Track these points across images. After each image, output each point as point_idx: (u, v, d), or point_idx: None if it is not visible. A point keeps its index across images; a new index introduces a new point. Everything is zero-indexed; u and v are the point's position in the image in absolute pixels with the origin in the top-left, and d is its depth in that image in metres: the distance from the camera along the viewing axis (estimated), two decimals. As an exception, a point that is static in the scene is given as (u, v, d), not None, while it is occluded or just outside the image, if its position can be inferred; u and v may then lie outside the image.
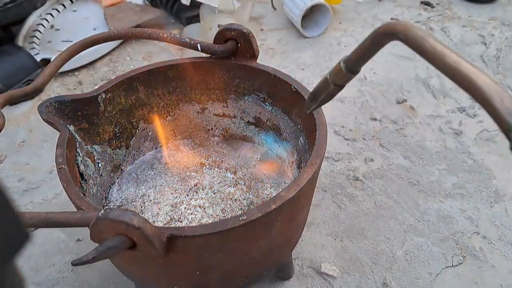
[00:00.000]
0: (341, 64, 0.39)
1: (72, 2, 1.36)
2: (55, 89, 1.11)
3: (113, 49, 1.23)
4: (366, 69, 1.13)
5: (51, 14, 1.30)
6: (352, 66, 0.39)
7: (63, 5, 1.34)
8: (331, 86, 0.41)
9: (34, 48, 1.16)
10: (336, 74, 0.40)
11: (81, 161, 0.56)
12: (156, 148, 0.73)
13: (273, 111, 0.67)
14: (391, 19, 1.32)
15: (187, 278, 0.51)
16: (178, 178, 0.67)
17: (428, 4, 1.38)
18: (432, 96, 1.05)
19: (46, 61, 1.12)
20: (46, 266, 0.72)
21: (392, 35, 0.33)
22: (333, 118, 0.98)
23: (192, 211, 0.62)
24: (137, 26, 1.23)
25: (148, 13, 1.29)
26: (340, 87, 0.41)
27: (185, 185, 0.66)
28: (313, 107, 0.45)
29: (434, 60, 0.28)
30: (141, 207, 0.63)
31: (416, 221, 0.77)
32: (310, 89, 0.59)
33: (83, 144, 0.58)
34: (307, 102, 0.46)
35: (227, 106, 0.71)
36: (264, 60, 1.06)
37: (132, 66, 1.17)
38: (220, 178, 0.67)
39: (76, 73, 1.16)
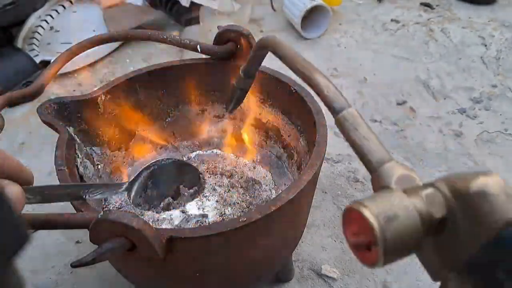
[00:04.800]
0: (240, 72, 0.50)
1: (71, 3, 1.36)
2: (55, 91, 1.10)
3: (113, 51, 1.23)
4: (366, 71, 1.13)
5: (50, 16, 1.29)
6: (247, 72, 0.49)
7: (63, 6, 1.34)
8: (237, 91, 0.53)
9: (33, 49, 1.16)
10: (238, 80, 0.51)
11: (81, 162, 0.56)
12: (155, 150, 0.72)
13: (273, 112, 0.67)
14: (391, 20, 1.32)
15: (187, 280, 0.51)
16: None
17: (428, 5, 1.39)
18: (432, 97, 1.05)
19: (45, 63, 1.11)
20: (45, 268, 0.72)
21: (265, 47, 0.42)
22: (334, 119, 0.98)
23: (192, 212, 0.61)
24: (137, 27, 1.23)
25: (147, 14, 1.29)
26: (243, 90, 0.53)
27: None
28: (230, 107, 0.56)
29: (290, 65, 0.38)
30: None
31: (417, 222, 0.77)
32: (310, 90, 0.59)
33: (83, 146, 0.58)
34: (226, 104, 0.57)
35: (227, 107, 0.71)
36: (264, 61, 1.06)
37: (131, 68, 1.17)
38: (219, 180, 0.67)
39: (76, 74, 1.16)
